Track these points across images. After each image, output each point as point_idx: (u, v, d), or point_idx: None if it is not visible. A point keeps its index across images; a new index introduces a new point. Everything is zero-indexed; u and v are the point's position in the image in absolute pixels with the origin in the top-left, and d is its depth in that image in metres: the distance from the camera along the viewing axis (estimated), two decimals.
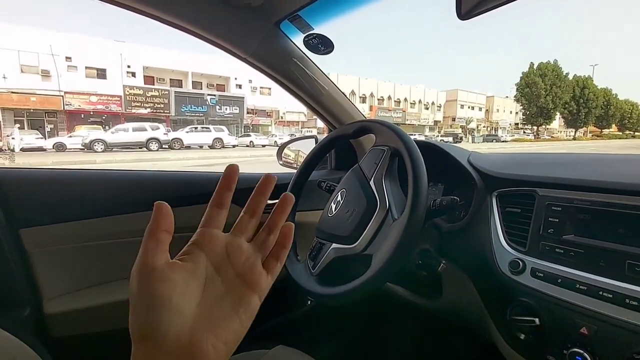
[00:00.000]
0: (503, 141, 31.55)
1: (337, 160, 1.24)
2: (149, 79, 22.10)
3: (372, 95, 32.33)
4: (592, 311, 0.54)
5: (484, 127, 41.59)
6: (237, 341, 0.27)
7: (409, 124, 33.91)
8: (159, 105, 20.74)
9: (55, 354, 0.70)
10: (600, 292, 0.53)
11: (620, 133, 48.04)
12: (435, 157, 0.87)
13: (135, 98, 20.23)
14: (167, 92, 20.98)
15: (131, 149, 14.27)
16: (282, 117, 26.52)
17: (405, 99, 35.10)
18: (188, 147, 16.11)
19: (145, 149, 14.37)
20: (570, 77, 36.12)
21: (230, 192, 0.31)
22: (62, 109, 18.69)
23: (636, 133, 49.78)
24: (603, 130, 46.09)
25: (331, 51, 0.97)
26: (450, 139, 30.00)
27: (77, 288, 0.81)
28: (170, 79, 23.15)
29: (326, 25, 0.94)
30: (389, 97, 33.78)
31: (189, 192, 0.95)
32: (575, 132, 40.63)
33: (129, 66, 20.86)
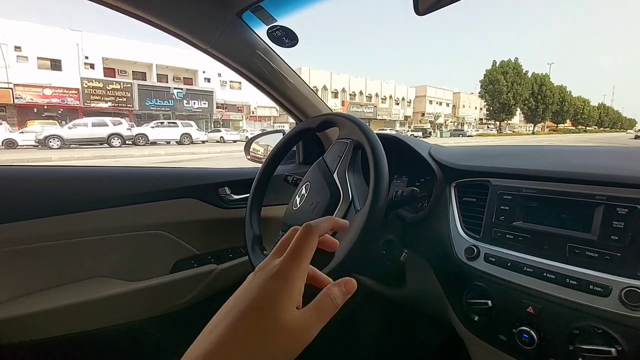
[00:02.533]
0: (469, 136, 32.94)
1: (305, 154, 1.24)
2: (109, 71, 20.86)
3: (344, 90, 32.48)
4: (538, 291, 0.57)
5: (451, 122, 43.12)
6: None
7: (380, 119, 34.47)
8: (121, 99, 19.62)
9: None
10: (545, 274, 0.57)
11: (574, 127, 51.70)
12: (399, 150, 0.89)
13: (95, 91, 19.01)
14: (129, 85, 19.88)
15: (91, 145, 13.44)
16: (253, 112, 26.04)
17: (377, 94, 35.60)
18: (154, 143, 15.41)
19: (106, 145, 13.60)
20: (530, 74, 38.19)
21: None
22: (12, 102, 17.27)
23: (588, 128, 53.83)
24: (558, 125, 49.29)
25: (295, 44, 0.96)
26: (420, 133, 30.84)
27: (27, 292, 0.75)
28: (133, 72, 21.96)
29: (291, 18, 0.93)
30: (361, 93, 34.12)
31: (155, 188, 0.91)
32: (534, 126, 43.12)
33: (86, 57, 19.57)
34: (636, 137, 22.08)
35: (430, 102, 40.76)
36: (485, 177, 0.73)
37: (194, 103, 22.21)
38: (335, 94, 31.84)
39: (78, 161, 9.01)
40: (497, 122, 39.13)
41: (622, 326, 0.49)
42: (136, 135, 14.92)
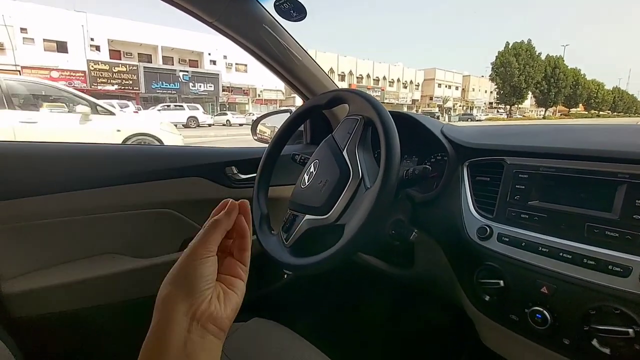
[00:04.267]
0: (478, 120, 32.40)
1: (313, 134, 1.21)
2: (115, 54, 20.76)
3: (350, 73, 31.99)
4: (553, 271, 0.56)
5: (460, 106, 42.37)
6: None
7: (387, 103, 33.95)
8: (127, 82, 19.61)
9: (16, 335, 0.66)
10: (561, 254, 0.56)
11: (586, 112, 50.41)
12: (410, 128, 0.86)
13: (101, 74, 19.00)
14: (135, 68, 19.80)
15: None
16: (259, 95, 25.87)
17: (384, 78, 35.00)
18: None
19: None
20: (543, 57, 37.05)
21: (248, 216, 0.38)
22: None
23: (601, 112, 52.44)
24: (570, 110, 48.12)
25: (304, 17, 0.92)
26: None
27: (38, 267, 0.76)
28: (138, 54, 21.83)
29: None
30: (368, 76, 33.56)
31: (161, 166, 0.90)
32: (545, 111, 42.17)
33: (92, 39, 19.46)
34: None
35: (439, 85, 39.98)
36: (501, 155, 0.71)
37: (200, 86, 22.10)
38: (342, 77, 31.37)
39: None
40: (508, 107, 38.31)
41: None
42: None
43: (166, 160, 0.92)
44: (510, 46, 35.03)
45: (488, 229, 0.66)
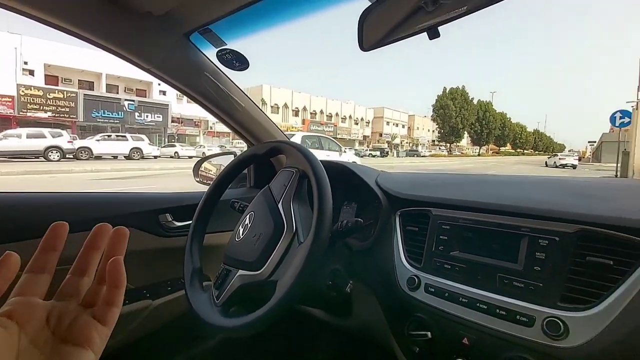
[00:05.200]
0: (423, 156, 34.97)
1: (256, 177, 1.19)
2: (51, 79, 19.30)
3: (304, 109, 33.01)
4: (472, 322, 0.58)
5: (406, 142, 45.42)
6: None
7: (340, 138, 35.29)
8: (63, 109, 18.12)
9: None
10: (478, 304, 0.58)
11: (513, 151, 56.92)
12: (348, 176, 0.89)
13: (33, 100, 17.38)
14: (74, 95, 18.49)
15: (25, 158, 12.15)
16: (211, 127, 25.40)
17: (337, 114, 36.60)
18: (99, 158, 14.33)
19: (43, 158, 12.38)
20: (475, 101, 41.72)
21: (56, 252, 0.28)
22: None
23: (525, 151, 59.48)
24: (500, 148, 54.01)
25: (246, 68, 0.95)
26: (378, 153, 32.10)
27: None
28: (79, 80, 20.51)
29: (242, 41, 0.91)
30: (321, 112, 34.89)
31: (79, 217, 0.82)
32: (479, 149, 46.80)
33: (25, 62, 18.00)
34: (546, 164, 22.20)
35: (387, 123, 42.74)
36: (427, 206, 0.74)
37: (147, 116, 21.13)
38: (296, 112, 32.24)
39: (3, 177, 8.03)
40: (448, 144, 41.91)
41: (545, 355, 0.50)
42: (78, 148, 13.75)
43: (90, 210, 0.84)
44: (447, 91, 39.04)
45: (416, 279, 0.67)
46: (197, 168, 1.27)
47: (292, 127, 30.56)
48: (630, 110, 10.13)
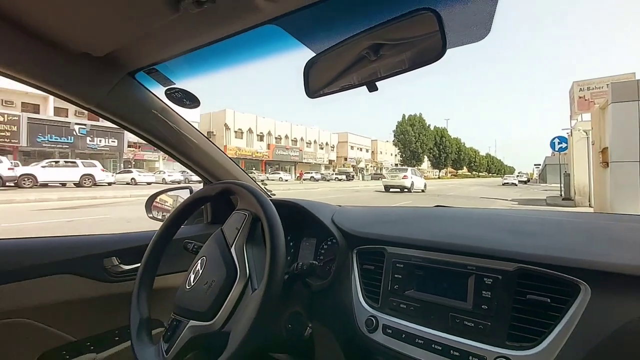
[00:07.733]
0: None
1: (214, 213, 1.12)
2: None
3: (269, 133, 33.11)
4: None
5: (371, 166, 46.80)
6: None
7: (306, 162, 35.65)
8: (2, 133, 16.72)
9: None
10: (433, 345, 0.57)
11: (470, 173, 60.70)
12: (305, 215, 0.88)
13: None
14: (16, 118, 17.15)
15: None
16: None
17: (302, 139, 37.08)
18: (45, 185, 13.22)
19: None
20: (432, 127, 44.33)
21: None
22: None
23: (480, 173, 63.69)
24: (458, 171, 57.35)
25: (197, 106, 0.92)
26: (344, 176, 32.68)
27: None
28: (22, 103, 19.08)
29: (193, 80, 0.88)
30: (286, 136, 35.16)
31: (11, 266, 0.75)
32: (439, 172, 49.32)
33: None
34: (504, 184, 29.05)
35: (352, 147, 43.97)
36: (381, 244, 0.73)
37: (100, 140, 19.97)
38: (261, 137, 32.22)
39: None
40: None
41: None
42: (21, 175, 12.60)
43: (24, 257, 0.76)
44: (406, 118, 41.21)
45: (374, 320, 0.66)
46: (150, 203, 1.19)
47: (257, 152, 30.42)
48: (567, 137, 11.18)
